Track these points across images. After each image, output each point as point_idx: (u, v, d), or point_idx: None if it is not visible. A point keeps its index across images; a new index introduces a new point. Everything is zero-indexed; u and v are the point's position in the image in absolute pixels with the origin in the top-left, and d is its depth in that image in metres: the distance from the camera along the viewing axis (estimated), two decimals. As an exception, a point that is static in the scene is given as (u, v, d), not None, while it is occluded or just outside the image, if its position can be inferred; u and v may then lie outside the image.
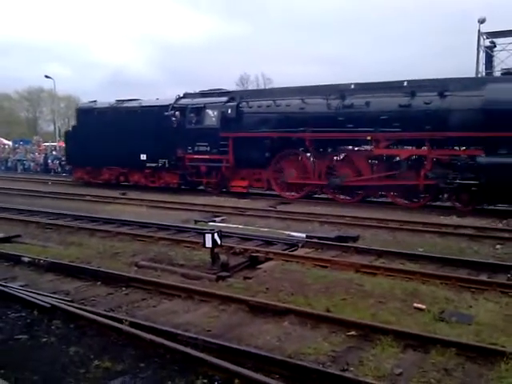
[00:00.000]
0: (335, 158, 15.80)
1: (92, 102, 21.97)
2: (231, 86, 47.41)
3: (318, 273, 6.91)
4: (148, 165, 18.72)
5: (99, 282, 6.59)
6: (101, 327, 4.79)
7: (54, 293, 5.97)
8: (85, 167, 21.16)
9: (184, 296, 5.95)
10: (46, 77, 39.97)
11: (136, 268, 7.36)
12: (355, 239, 9.31)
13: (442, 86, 13.21)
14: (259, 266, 7.43)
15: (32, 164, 29.59)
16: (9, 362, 4.18)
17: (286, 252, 8.23)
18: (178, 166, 18.08)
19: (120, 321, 4.84)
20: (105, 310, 5.32)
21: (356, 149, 15.62)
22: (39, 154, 30.62)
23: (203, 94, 18.49)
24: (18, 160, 30.53)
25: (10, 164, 30.60)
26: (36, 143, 34.71)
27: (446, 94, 13.11)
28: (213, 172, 17.52)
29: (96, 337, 4.67)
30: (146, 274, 6.90)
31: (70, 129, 23.89)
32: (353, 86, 14.89)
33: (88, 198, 16.21)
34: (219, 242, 7.23)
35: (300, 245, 8.73)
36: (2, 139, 46.51)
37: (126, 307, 5.65)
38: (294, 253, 8.21)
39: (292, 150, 16.19)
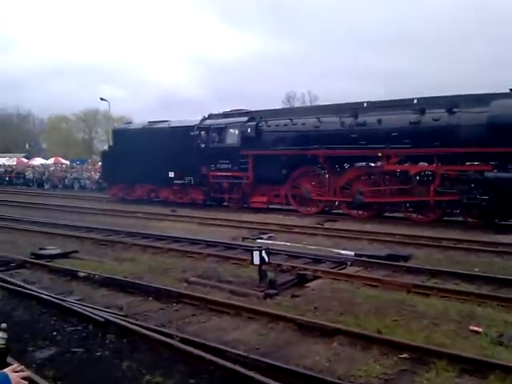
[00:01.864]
0: (351, 174, 15.97)
1: (127, 123, 23.01)
2: (277, 104, 47.97)
3: (368, 292, 6.78)
4: (175, 182, 19.72)
5: (151, 298, 6.75)
6: (152, 342, 4.91)
7: (108, 307, 6.17)
8: (119, 184, 22.36)
9: (232, 313, 5.99)
10: (102, 99, 41.90)
11: (186, 284, 7.50)
12: (407, 258, 9.06)
13: (450, 103, 13.47)
14: (307, 285, 7.37)
15: (87, 182, 30.88)
16: (66, 374, 4.36)
17: (334, 270, 8.13)
18: (202, 182, 18.99)
19: (171, 336, 4.94)
20: (156, 325, 5.44)
21: (369, 165, 15.76)
22: (95, 172, 31.96)
23: (226, 115, 19.44)
24: (75, 178, 31.98)
25: (67, 182, 32.07)
26: (92, 162, 36.29)
27: (455, 110, 13.30)
28: (234, 188, 18.30)
29: (148, 352, 4.78)
30: (195, 290, 7.01)
31: (107, 148, 25.08)
32: (365, 105, 15.45)
33: (140, 215, 16.70)
34: (267, 259, 7.24)
35: (349, 263, 8.60)
36: (60, 159, 49.03)
37: (177, 323, 5.75)
38: (343, 271, 8.10)
39: (308, 167, 16.60)
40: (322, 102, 44.44)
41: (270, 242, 11.01)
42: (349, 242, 10.97)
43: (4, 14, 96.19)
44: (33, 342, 5.11)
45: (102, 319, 5.54)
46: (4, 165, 43.21)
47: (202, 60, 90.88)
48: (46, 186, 33.03)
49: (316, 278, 7.68)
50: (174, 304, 6.47)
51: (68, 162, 45.69)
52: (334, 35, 79.69)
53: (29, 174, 35.69)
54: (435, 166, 13.75)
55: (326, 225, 13.82)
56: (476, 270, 8.17)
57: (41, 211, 18.04)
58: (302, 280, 7.57)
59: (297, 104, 51.47)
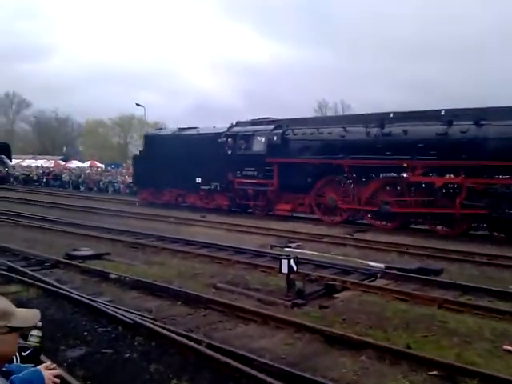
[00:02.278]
0: (376, 184, 15.82)
1: (158, 129, 23.47)
2: (309, 113, 47.91)
3: (398, 306, 6.66)
4: (202, 187, 20.01)
5: (179, 302, 6.83)
6: (180, 347, 4.96)
7: (138, 310, 6.27)
8: (149, 188, 22.78)
9: (260, 321, 5.99)
10: (137, 105, 42.82)
11: (214, 290, 7.55)
12: (438, 272, 8.85)
13: (478, 115, 13.34)
14: (335, 296, 7.31)
15: (121, 186, 31.52)
16: (95, 375, 4.45)
17: (363, 282, 8.03)
18: (228, 189, 19.17)
19: (198, 342, 4.98)
20: (184, 330, 5.49)
21: (395, 176, 15.67)
22: (128, 176, 32.59)
23: (253, 123, 19.72)
24: (109, 182, 32.69)
25: (101, 185, 32.82)
26: (126, 166, 37.03)
27: (483, 122, 13.15)
28: (259, 195, 18.45)
29: (175, 355, 4.83)
30: (223, 297, 7.05)
31: (138, 153, 25.62)
32: (392, 115, 15.59)
33: (171, 219, 16.92)
34: (295, 268, 7.22)
35: (378, 275, 8.48)
36: (95, 162, 50.32)
37: (204, 328, 5.79)
38: (373, 283, 7.99)
39: (333, 176, 16.56)
40: (354, 111, 44.12)
41: (298, 250, 10.97)
42: (378, 254, 10.82)
43: (48, 20, 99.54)
44: (64, 341, 5.25)
45: (131, 321, 5.63)
46: (42, 166, 44.62)
47: (236, 68, 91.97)
48: (82, 189, 33.87)
49: (345, 289, 7.61)
50: (202, 309, 6.52)
51: (103, 166, 46.81)
52: (369, 44, 79.14)
53: (65, 177, 36.68)
54: (462, 178, 13.54)
55: (356, 235, 13.66)
56: (511, 287, 7.91)
57: (76, 213, 18.51)
58: (330, 291, 7.51)
59: (329, 113, 51.42)
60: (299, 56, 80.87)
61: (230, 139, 19.12)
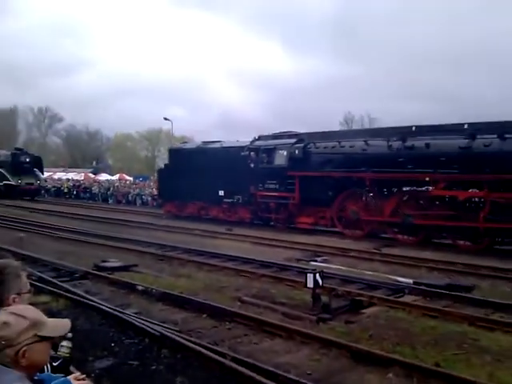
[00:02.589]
0: (399, 197, 15.63)
1: (183, 143, 23.87)
2: (335, 127, 47.77)
3: (427, 323, 6.52)
4: (225, 200, 20.20)
5: (205, 315, 6.85)
6: (205, 360, 4.97)
7: (164, 322, 6.32)
8: (173, 201, 23.07)
9: (285, 335, 5.96)
10: (165, 119, 43.51)
11: (239, 303, 7.55)
12: (469, 289, 8.62)
13: (502, 129, 12.98)
14: (362, 311, 7.21)
15: (149, 199, 31.98)
16: (122, 385, 4.50)
17: (391, 298, 7.89)
18: (250, 201, 19.30)
19: (223, 355, 4.98)
20: (209, 343, 5.51)
21: (417, 189, 15.31)
22: (155, 189, 33.04)
23: (275, 136, 19.82)
24: (137, 194, 33.21)
25: (130, 198, 33.36)
26: (153, 179, 37.57)
27: (507, 136, 12.81)
28: (281, 208, 18.43)
29: (200, 368, 4.85)
30: (248, 310, 7.04)
31: (163, 166, 26.03)
32: (414, 129, 15.31)
33: (197, 232, 17.05)
34: (321, 282, 7.17)
35: (406, 291, 8.32)
36: (124, 175, 51.30)
37: (229, 342, 5.79)
38: (400, 299, 7.84)
39: (355, 190, 16.35)
40: (380, 124, 43.64)
41: (324, 264, 10.88)
42: (407, 269, 10.61)
43: (81, 37, 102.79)
44: (93, 351, 5.33)
45: (158, 333, 5.68)
46: (72, 179, 45.72)
47: (262, 82, 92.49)
48: (110, 201, 34.50)
49: (372, 304, 7.50)
50: (227, 322, 6.53)
51: (131, 179, 47.63)
52: (396, 56, 78.61)
53: (95, 189, 37.47)
54: (485, 192, 13.25)
55: (384, 250, 13.46)
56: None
57: (105, 225, 18.86)
58: (356, 306, 7.41)
59: (355, 126, 51.17)
60: (325, 69, 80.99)
61: (252, 153, 19.30)
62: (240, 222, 19.50)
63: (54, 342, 1.85)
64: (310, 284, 7.13)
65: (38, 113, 74.21)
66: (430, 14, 74.74)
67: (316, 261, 11.55)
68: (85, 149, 78.07)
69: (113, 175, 53.18)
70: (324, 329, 6.31)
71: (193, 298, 7.55)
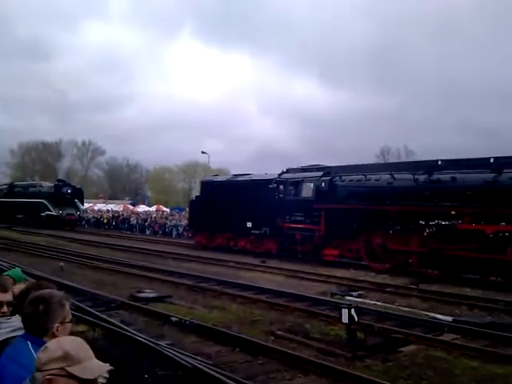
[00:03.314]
0: (425, 231, 15.33)
1: (214, 175, 24.75)
2: (371, 159, 47.41)
3: (468, 363, 6.26)
4: (252, 231, 20.52)
5: (238, 348, 6.81)
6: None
7: (197, 354, 6.32)
8: (203, 232, 23.48)
9: (319, 372, 5.84)
10: (203, 152, 44.57)
11: (273, 337, 7.47)
12: (513, 328, 8.24)
13: None
14: (399, 349, 6.99)
15: (184, 230, 32.37)
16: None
17: (429, 336, 7.62)
18: (277, 233, 19.47)
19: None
20: (242, 378, 5.46)
21: (443, 223, 15.02)
22: (187, 220, 33.45)
23: (303, 169, 20.23)
24: (174, 225, 33.73)
25: (167, 229, 33.89)
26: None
27: None
28: (307, 240, 18.43)
29: (232, 403, 4.80)
30: (282, 345, 6.96)
31: (194, 198, 26.66)
32: (440, 162, 15.42)
33: (231, 264, 17.09)
34: (356, 318, 7.03)
35: (446, 329, 8.03)
36: (161, 206, 52.29)
37: (262, 377, 5.73)
38: (439, 338, 7.57)
39: (381, 223, 16.23)
40: (418, 157, 43.17)
41: (359, 299, 10.66)
42: (446, 307, 10.24)
43: (123, 73, 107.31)
44: (126, 382, 5.37)
45: (191, 366, 5.69)
46: (112, 210, 46.95)
47: (297, 114, 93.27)
48: (148, 232, 35.14)
49: (409, 342, 7.27)
50: (261, 357, 6.46)
51: (168, 210, 48.47)
52: (433, 88, 78.12)
53: (133, 220, 38.32)
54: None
55: (422, 286, 13.07)
56: None
57: (141, 255, 19.20)
58: (393, 344, 7.21)
59: (391, 159, 50.62)
60: (361, 101, 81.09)
61: (280, 185, 19.68)
62: (267, 254, 19.66)
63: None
64: (345, 319, 7.00)
65: (81, 146, 77.38)
66: (469, 45, 74.32)
67: (351, 295, 11.33)
68: (125, 181, 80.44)
69: (151, 206, 54.28)
70: (359, 367, 6.15)
71: (226, 330, 7.54)
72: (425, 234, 15.13)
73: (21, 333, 2.15)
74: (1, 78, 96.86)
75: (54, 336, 2.03)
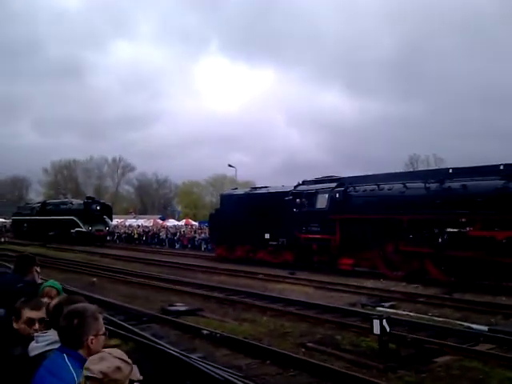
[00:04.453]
0: (439, 239, 15.31)
1: (233, 189, 26.20)
2: (399, 168, 46.72)
3: (504, 374, 6.08)
4: (270, 243, 20.95)
5: (269, 361, 6.81)
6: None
7: (228, 367, 6.35)
8: (223, 245, 23.89)
9: (351, 384, 5.78)
10: (230, 166, 44.92)
11: (303, 349, 7.44)
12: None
13: None
14: (433, 360, 6.85)
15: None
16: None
17: (464, 346, 7.44)
18: (294, 244, 19.80)
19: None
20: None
21: (455, 230, 15.00)
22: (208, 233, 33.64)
23: (317, 181, 20.48)
24: (202, 239, 33.99)
25: (196, 243, 34.18)
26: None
27: None
28: (323, 250, 18.76)
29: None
30: (313, 357, 6.92)
31: (214, 212, 26.90)
32: (451, 171, 15.62)
33: (261, 276, 17.10)
34: (388, 329, 6.94)
35: (481, 339, 7.82)
36: (190, 220, 52.81)
37: (293, 389, 5.71)
38: (474, 348, 7.38)
39: (394, 231, 16.35)
40: (448, 164, 42.23)
41: (391, 310, 10.50)
42: (481, 316, 9.96)
43: (153, 91, 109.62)
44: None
45: (222, 379, 5.72)
46: (142, 225, 47.71)
47: (324, 124, 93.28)
48: (177, 246, 35.51)
49: (443, 353, 7.12)
50: (291, 369, 6.44)
51: (197, 224, 48.89)
52: (462, 94, 76.70)
53: (162, 235, 38.82)
54: None
55: (455, 295, 12.77)
56: None
57: (171, 269, 19.41)
58: (427, 354, 7.07)
59: (421, 167, 49.77)
60: (389, 111, 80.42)
61: (295, 197, 19.96)
62: (285, 264, 19.94)
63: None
64: (377, 330, 6.92)
65: (111, 163, 79.17)
66: (497, 50, 72.86)
67: (383, 306, 11.17)
68: (154, 196, 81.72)
69: (180, 220, 54.89)
70: (392, 378, 6.07)
71: (257, 343, 7.55)
72: (437, 240, 15.21)
73: (57, 346, 2.25)
74: (33, 98, 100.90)
75: (89, 348, 2.12)
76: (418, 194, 15.62)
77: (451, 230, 14.92)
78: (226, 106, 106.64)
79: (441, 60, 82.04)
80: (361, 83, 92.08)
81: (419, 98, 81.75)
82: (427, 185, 15.42)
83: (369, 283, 15.07)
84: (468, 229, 14.34)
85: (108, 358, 1.75)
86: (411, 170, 42.26)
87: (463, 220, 14.44)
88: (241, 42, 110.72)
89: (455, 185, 14.71)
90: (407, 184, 16.08)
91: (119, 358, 1.77)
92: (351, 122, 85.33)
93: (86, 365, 1.76)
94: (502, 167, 14.13)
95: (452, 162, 43.23)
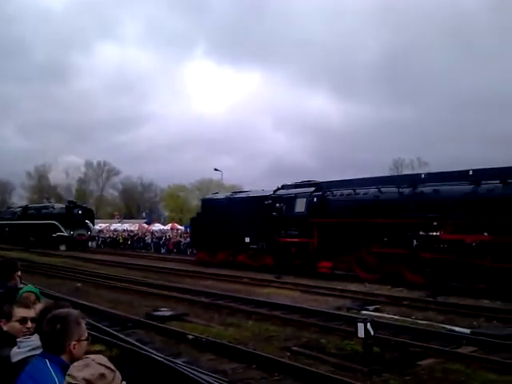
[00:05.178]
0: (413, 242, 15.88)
1: (214, 193, 26.40)
2: (384, 172, 47.16)
3: (487, 376, 6.18)
4: (250, 246, 21.17)
5: (254, 365, 6.81)
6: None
7: (214, 372, 6.33)
8: (204, 249, 24.11)
9: (335, 388, 5.81)
10: (215, 169, 44.85)
11: (289, 353, 7.46)
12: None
13: (504, 174, 13.64)
14: (417, 363, 6.92)
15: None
16: None
17: (447, 349, 7.53)
18: (273, 247, 20.08)
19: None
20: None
21: (427, 234, 15.60)
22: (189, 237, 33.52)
23: (296, 186, 20.91)
24: (188, 244, 33.82)
25: (182, 247, 34.02)
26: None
27: (509, 181, 13.44)
28: (301, 254, 19.02)
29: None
30: (298, 361, 6.94)
31: (195, 216, 26.87)
32: (423, 176, 16.41)
33: (246, 280, 17.09)
34: (372, 332, 6.99)
35: (464, 342, 7.93)
36: (176, 224, 52.51)
37: (278, 393, 5.71)
38: (457, 350, 7.47)
39: (369, 235, 16.73)
40: (432, 168, 42.77)
41: (376, 314, 10.58)
42: (464, 319, 10.09)
43: (138, 95, 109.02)
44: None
45: (207, 383, 5.71)
46: (127, 230, 47.32)
47: (310, 128, 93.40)
48: (163, 250, 35.30)
49: (427, 356, 7.20)
50: (276, 373, 6.45)
51: (183, 228, 48.65)
52: (445, 99, 77.75)
53: (148, 239, 38.57)
54: (490, 236, 13.52)
55: (439, 299, 12.91)
56: None
57: (157, 274, 19.29)
58: (411, 357, 7.14)
59: (405, 171, 50.24)
60: (375, 114, 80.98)
61: (275, 201, 20.23)
62: (265, 268, 20.15)
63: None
64: (361, 334, 6.96)
65: (96, 167, 78.42)
66: (482, 53, 74.01)
67: (367, 310, 11.25)
68: (139, 200, 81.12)
69: (165, 225, 54.56)
70: (377, 381, 6.13)
71: (242, 347, 7.54)
72: (411, 243, 15.71)
73: (39, 351, 2.24)
74: (18, 101, 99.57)
75: (71, 353, 2.12)
76: (392, 198, 16.21)
77: (424, 233, 15.51)
78: (213, 109, 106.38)
79: (427, 63, 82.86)
80: (347, 86, 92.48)
81: (406, 101, 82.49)
82: (401, 189, 16.04)
83: (353, 287, 15.17)
84: (440, 232, 14.91)
85: (92, 365, 1.74)
86: (396, 173, 42.65)
87: (435, 223, 15.00)
88: (227, 44, 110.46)
89: (427, 189, 15.30)
90: (382, 189, 16.65)
91: (103, 365, 1.76)
92: (337, 125, 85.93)
93: (70, 371, 1.75)
94: (471, 172, 14.73)
95: (437, 165, 43.70)
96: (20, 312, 2.78)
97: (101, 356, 1.88)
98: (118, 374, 1.82)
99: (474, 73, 73.18)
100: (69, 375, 1.74)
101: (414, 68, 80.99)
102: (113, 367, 1.79)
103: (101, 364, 1.76)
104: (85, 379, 1.69)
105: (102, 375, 1.72)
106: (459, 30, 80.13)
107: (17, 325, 2.74)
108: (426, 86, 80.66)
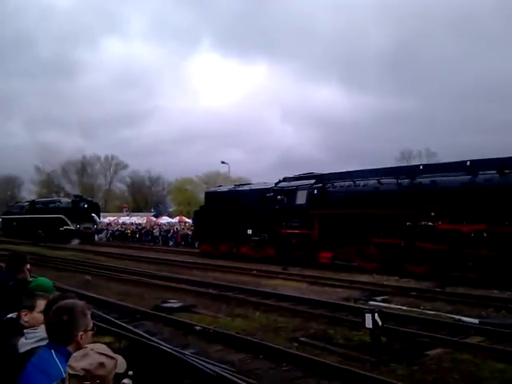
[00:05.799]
0: (411, 232, 16.05)
1: (218, 186, 27.11)
2: (392, 163, 46.90)
3: (495, 366, 6.14)
4: (253, 238, 21.69)
5: (262, 356, 6.83)
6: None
7: (221, 362, 6.37)
8: (208, 241, 24.51)
9: (344, 378, 5.82)
10: (222, 162, 44.86)
11: (296, 344, 7.47)
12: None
13: (501, 165, 13.75)
14: (425, 353, 6.91)
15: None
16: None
17: (455, 339, 7.51)
18: (275, 239, 20.46)
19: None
20: (265, 384, 5.48)
21: (425, 224, 15.77)
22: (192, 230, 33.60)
23: (297, 178, 21.13)
24: (196, 236, 33.94)
25: (189, 240, 34.13)
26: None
27: (506, 171, 13.53)
28: (302, 245, 19.37)
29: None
30: (305, 351, 6.95)
31: (199, 209, 27.14)
32: (421, 167, 16.58)
33: (254, 272, 17.13)
34: (380, 322, 6.98)
35: (472, 332, 7.90)
36: (183, 217, 52.64)
37: (286, 384, 5.73)
38: (465, 340, 7.45)
39: (369, 225, 16.97)
40: (440, 158, 42.55)
41: (383, 304, 10.57)
42: (472, 309, 10.06)
43: (146, 89, 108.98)
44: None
45: (214, 374, 5.74)
46: (135, 223, 47.55)
47: (318, 120, 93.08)
48: (171, 243, 35.48)
49: (435, 346, 7.18)
50: (284, 364, 6.47)
51: (190, 221, 48.76)
52: (456, 89, 76.97)
53: (156, 232, 38.75)
54: (487, 225, 13.69)
55: (448, 289, 12.87)
56: None
57: (165, 266, 19.38)
58: (419, 347, 7.13)
59: (413, 162, 49.83)
60: (382, 105, 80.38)
61: (276, 193, 20.49)
62: (267, 259, 20.49)
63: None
64: (369, 324, 6.96)
65: (104, 161, 78.75)
66: (490, 43, 73.11)
67: (375, 300, 11.24)
68: (147, 193, 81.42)
69: (173, 218, 54.74)
70: (385, 371, 6.10)
71: (250, 338, 7.57)
72: (410, 233, 15.89)
73: (45, 342, 2.25)
74: (25, 97, 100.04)
75: (78, 344, 2.13)
76: (391, 189, 16.39)
77: (422, 223, 15.63)
78: (220, 102, 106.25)
79: (435, 55, 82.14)
80: (355, 78, 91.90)
81: (413, 92, 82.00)
82: (399, 181, 16.17)
83: (362, 278, 15.15)
84: (437, 222, 15.04)
85: (91, 355, 1.74)
86: (404, 164, 42.34)
87: (433, 214, 15.17)
88: (233, 37, 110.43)
89: (425, 180, 15.51)
90: (381, 180, 16.80)
91: (102, 354, 1.76)
92: (345, 116, 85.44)
93: (69, 362, 1.76)
94: (468, 163, 14.82)
95: (445, 156, 43.45)
96: (43, 304, 2.80)
97: (101, 344, 1.88)
98: (120, 360, 1.82)
99: (484, 65, 72.25)
100: (68, 366, 1.75)
101: (423, 59, 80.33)
102: (113, 355, 1.79)
103: (100, 353, 1.76)
104: (84, 369, 1.69)
105: (101, 364, 1.71)
106: (467, 20, 79.06)
107: (39, 316, 2.79)
108: (435, 78, 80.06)
